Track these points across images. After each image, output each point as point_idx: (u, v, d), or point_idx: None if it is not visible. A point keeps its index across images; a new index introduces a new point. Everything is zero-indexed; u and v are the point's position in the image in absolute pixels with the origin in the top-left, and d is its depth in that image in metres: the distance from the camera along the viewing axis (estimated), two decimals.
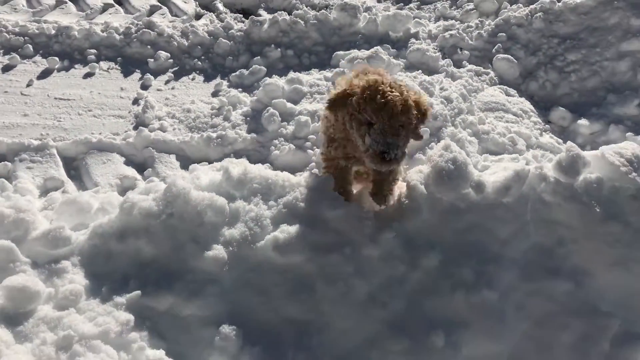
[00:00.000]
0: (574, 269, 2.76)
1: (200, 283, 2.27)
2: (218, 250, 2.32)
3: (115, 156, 4.15)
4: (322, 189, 2.60)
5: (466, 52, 5.49)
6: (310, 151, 4.13)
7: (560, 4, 5.66)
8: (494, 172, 2.95)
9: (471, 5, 6.48)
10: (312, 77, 4.95)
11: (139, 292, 2.16)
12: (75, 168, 4.08)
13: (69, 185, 3.84)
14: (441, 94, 4.57)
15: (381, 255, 2.48)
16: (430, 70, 5.05)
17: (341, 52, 5.20)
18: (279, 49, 5.34)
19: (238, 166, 2.61)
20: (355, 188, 2.95)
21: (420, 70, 4.97)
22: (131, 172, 4.03)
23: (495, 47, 5.53)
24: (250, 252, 2.37)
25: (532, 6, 5.77)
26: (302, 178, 2.67)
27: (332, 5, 6.49)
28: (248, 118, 4.47)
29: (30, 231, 2.30)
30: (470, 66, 5.29)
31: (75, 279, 2.16)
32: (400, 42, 5.45)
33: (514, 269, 2.68)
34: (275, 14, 5.55)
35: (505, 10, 6.23)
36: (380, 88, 2.32)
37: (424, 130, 4.16)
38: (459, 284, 2.55)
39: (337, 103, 2.44)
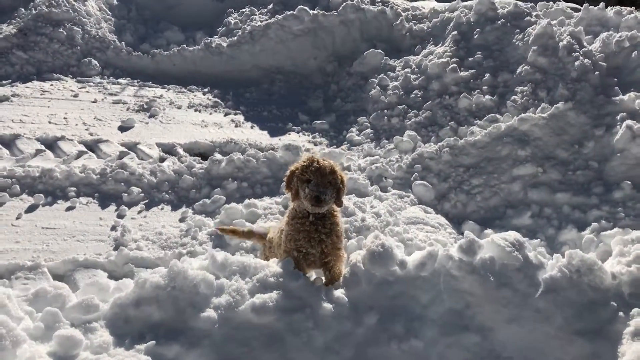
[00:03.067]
0: (480, 325, 3.59)
1: (197, 337, 2.97)
2: (210, 313, 3.05)
3: (99, 272, 4.82)
4: (286, 267, 3.43)
5: (390, 180, 6.65)
6: None
7: (462, 140, 7.01)
8: (411, 254, 3.87)
9: (392, 145, 7.79)
10: (265, 202, 5.91)
11: (153, 342, 2.85)
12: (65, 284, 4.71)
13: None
14: (372, 210, 5.61)
15: (333, 314, 3.27)
16: (362, 194, 6.12)
17: None
18: (235, 182, 6.32)
19: (220, 254, 3.42)
20: (309, 274, 3.80)
21: (354, 194, 6.04)
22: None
23: (413, 175, 6.73)
24: (234, 315, 3.11)
25: (440, 143, 7.11)
26: (270, 262, 3.51)
27: (276, 148, 7.68)
28: (212, 236, 5.30)
29: (66, 302, 2.98)
30: (394, 191, 6.43)
31: (104, 335, 2.83)
32: None
33: (435, 326, 3.50)
34: (231, 154, 6.62)
35: (420, 147, 7.58)
36: (315, 159, 3.42)
37: (360, 238, 5.13)
38: (393, 336, 3.34)
39: (289, 180, 3.53)
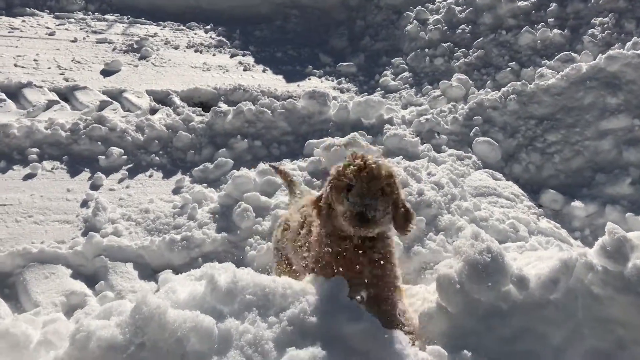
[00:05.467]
0: None
1: None
2: None
3: (60, 268, 3.47)
4: (335, 295, 2.03)
5: (443, 136, 5.20)
6: None
7: (532, 85, 5.52)
8: (527, 264, 2.47)
9: (437, 92, 6.33)
10: (285, 167, 4.48)
11: None
12: (10, 286, 3.37)
13: (1, 307, 3.11)
14: (430, 179, 4.17)
15: None
16: (411, 156, 4.68)
17: (314, 141, 4.80)
18: (245, 140, 4.90)
19: (225, 273, 2.02)
20: None
21: (401, 155, 4.59)
22: (80, 286, 3.35)
23: (473, 130, 5.28)
24: None
25: (504, 89, 5.61)
26: (306, 284, 2.11)
27: (296, 97, 6.21)
28: (216, 216, 3.92)
29: None
30: (450, 150, 4.99)
31: None
32: (374, 129, 5.12)
33: None
34: (240, 104, 5.16)
35: (474, 95, 6.09)
36: (360, 155, 2.31)
37: (420, 219, 3.73)
38: None
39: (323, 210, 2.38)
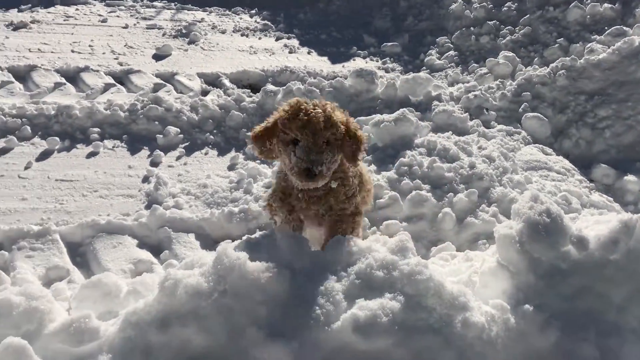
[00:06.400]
0: None
1: None
2: (286, 337, 1.80)
3: (126, 239, 3.64)
4: (397, 252, 2.13)
5: (492, 112, 5.20)
6: None
7: (582, 60, 5.45)
8: (586, 227, 2.50)
9: (484, 70, 6.31)
10: None
11: None
12: (81, 254, 3.56)
13: (75, 274, 3.31)
14: (480, 153, 4.21)
15: (488, 334, 1.97)
16: (460, 132, 4.71)
17: (362, 118, 4.87)
18: None
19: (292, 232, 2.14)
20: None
21: (450, 131, 4.63)
22: (146, 255, 3.52)
23: (522, 106, 5.26)
24: (324, 336, 1.85)
25: (553, 65, 5.56)
26: (371, 242, 2.20)
27: (342, 77, 6.27)
28: None
29: (45, 323, 1.77)
30: (499, 126, 4.99)
31: None
32: (422, 105, 5.15)
33: (638, 340, 2.18)
34: (289, 83, 5.26)
35: (521, 72, 6.05)
36: (302, 107, 2.35)
37: (472, 191, 3.77)
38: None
39: (268, 132, 2.46)
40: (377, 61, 7.20)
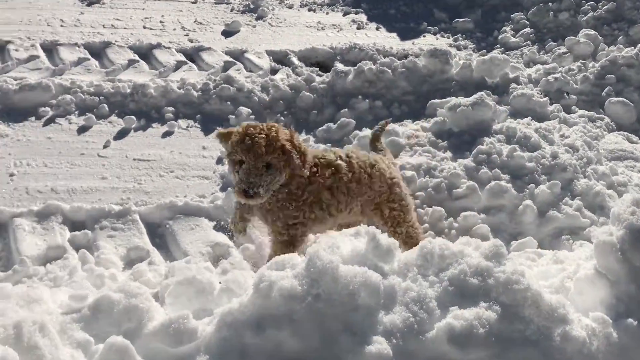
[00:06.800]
0: None
1: None
2: (380, 344, 1.78)
3: (203, 221, 3.71)
4: (492, 258, 2.06)
5: (573, 96, 4.97)
6: (420, 210, 3.64)
7: None
8: None
9: (563, 49, 6.02)
10: (408, 129, 4.49)
11: None
12: (160, 235, 3.66)
13: (155, 255, 3.41)
14: (563, 141, 4.04)
15: (589, 348, 1.89)
16: (540, 117, 4.52)
17: (437, 101, 4.75)
18: (366, 100, 4.93)
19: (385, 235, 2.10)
20: None
21: (529, 117, 4.45)
22: (222, 238, 3.58)
23: (605, 89, 5.00)
24: (418, 346, 1.83)
25: None
26: (463, 246, 2.14)
27: (412, 55, 6.12)
28: None
29: (145, 322, 1.82)
30: (581, 111, 4.77)
31: None
32: (499, 88, 4.97)
33: None
34: (360, 64, 5.17)
35: (604, 52, 5.74)
36: (249, 132, 2.65)
37: (554, 183, 3.62)
38: None
39: (222, 135, 2.86)
40: (449, 38, 6.99)
